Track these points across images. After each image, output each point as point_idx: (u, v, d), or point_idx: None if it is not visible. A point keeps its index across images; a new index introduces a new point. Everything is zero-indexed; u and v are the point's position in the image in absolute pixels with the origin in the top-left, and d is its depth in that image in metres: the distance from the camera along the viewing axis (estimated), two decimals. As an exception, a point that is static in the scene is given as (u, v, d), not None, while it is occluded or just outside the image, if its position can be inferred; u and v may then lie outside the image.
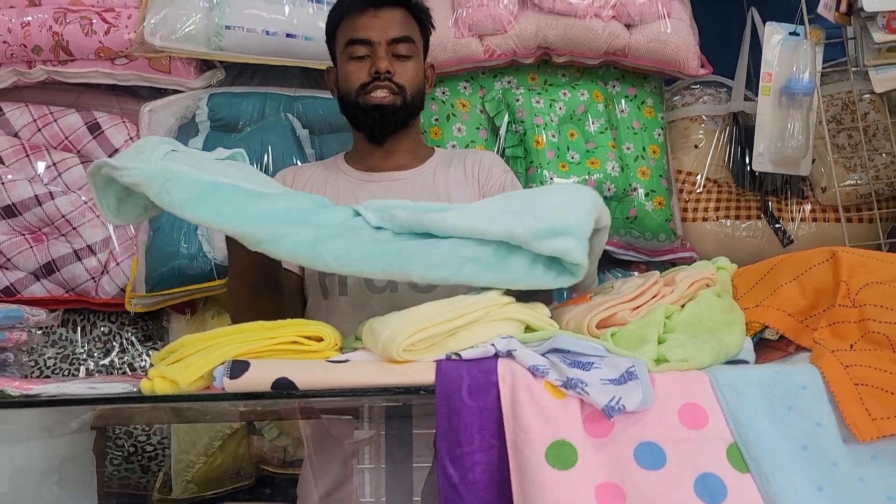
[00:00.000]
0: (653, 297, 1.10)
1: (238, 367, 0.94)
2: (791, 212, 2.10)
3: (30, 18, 1.95)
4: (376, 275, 1.05)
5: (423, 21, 1.60)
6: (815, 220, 2.08)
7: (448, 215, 1.07)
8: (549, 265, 1.01)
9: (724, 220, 2.11)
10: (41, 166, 2.01)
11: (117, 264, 1.99)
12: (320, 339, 1.02)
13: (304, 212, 1.11)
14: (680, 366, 0.96)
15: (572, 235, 0.98)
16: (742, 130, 2.19)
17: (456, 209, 1.11)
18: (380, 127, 1.53)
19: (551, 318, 1.08)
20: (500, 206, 1.12)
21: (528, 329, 1.06)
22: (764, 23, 2.04)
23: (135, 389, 1.03)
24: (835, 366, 0.92)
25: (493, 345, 0.98)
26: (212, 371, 0.96)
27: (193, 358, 0.96)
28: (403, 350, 0.96)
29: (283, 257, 1.09)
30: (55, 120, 2.05)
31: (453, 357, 0.97)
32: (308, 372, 0.95)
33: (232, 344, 0.98)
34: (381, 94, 1.49)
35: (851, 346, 0.95)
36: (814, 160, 2.03)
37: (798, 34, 1.95)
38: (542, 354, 0.98)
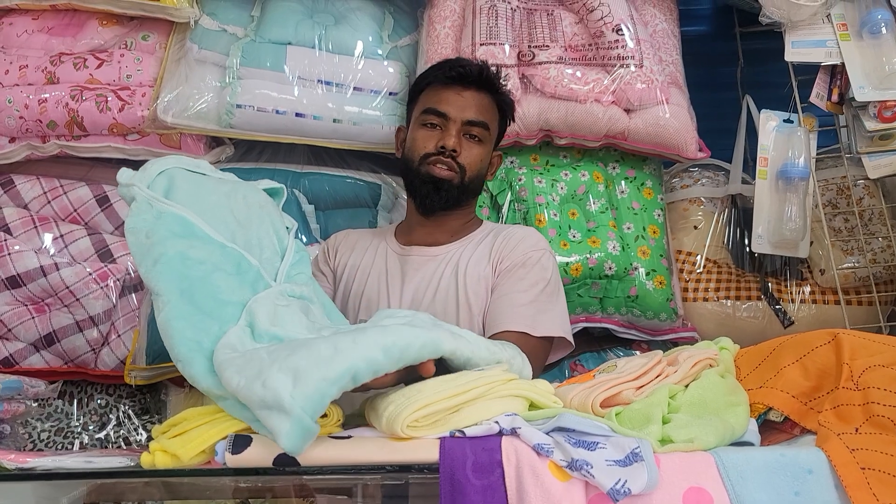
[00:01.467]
0: (657, 377, 1.11)
1: (240, 442, 0.93)
2: (791, 293, 2.09)
3: (47, 95, 2.01)
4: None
5: (505, 111, 1.63)
6: (814, 301, 2.08)
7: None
8: None
9: (724, 301, 2.11)
10: (48, 238, 2.03)
11: (118, 336, 1.98)
12: (323, 415, 1.01)
13: (203, 267, 1.07)
14: (686, 447, 0.95)
15: (287, 414, 0.86)
16: (740, 212, 2.21)
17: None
18: (431, 199, 1.53)
19: (555, 395, 1.08)
20: (281, 351, 0.97)
21: (533, 406, 1.06)
22: (759, 110, 2.10)
23: (132, 464, 1.02)
24: (841, 449, 0.91)
25: (497, 422, 0.97)
26: (213, 445, 0.95)
27: (196, 432, 0.96)
28: (407, 426, 0.95)
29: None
30: (65, 192, 2.08)
31: (457, 434, 0.96)
32: (310, 448, 0.94)
33: (235, 418, 0.97)
34: (440, 168, 1.51)
35: (856, 429, 0.95)
36: (812, 242, 2.04)
37: (792, 121, 2.00)
38: (547, 433, 0.97)
